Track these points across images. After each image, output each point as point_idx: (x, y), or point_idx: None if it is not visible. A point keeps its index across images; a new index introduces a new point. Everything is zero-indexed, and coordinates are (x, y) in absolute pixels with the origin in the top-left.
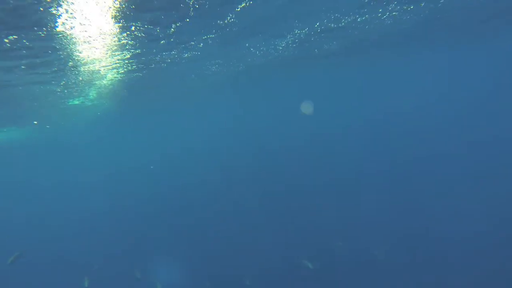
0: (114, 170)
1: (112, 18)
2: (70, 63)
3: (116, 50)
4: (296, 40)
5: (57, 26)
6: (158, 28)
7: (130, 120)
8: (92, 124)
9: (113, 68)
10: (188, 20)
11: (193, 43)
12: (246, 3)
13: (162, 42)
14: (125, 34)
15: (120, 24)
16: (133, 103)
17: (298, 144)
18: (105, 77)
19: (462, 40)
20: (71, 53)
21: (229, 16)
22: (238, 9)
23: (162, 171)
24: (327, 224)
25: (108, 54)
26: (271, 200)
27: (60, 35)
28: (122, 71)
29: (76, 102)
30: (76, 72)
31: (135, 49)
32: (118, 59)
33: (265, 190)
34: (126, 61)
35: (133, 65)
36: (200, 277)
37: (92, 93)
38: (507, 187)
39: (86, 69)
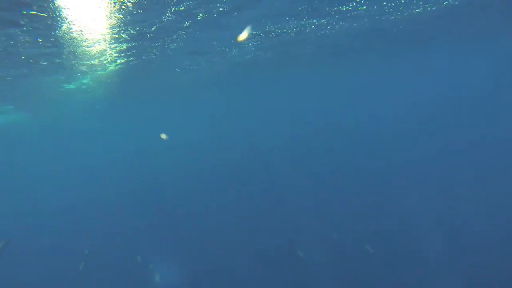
0: (94, 163)
1: (108, 18)
2: (72, 58)
3: (110, 44)
4: (254, 43)
5: (71, 32)
6: (144, 28)
7: (121, 111)
8: (85, 110)
9: (110, 61)
10: (157, 26)
11: (174, 37)
12: (202, 14)
13: (148, 36)
14: (121, 33)
15: (115, 30)
16: (124, 93)
17: (287, 142)
18: (101, 67)
19: (441, 42)
20: (74, 49)
21: (188, 22)
22: (199, 18)
23: (150, 163)
24: (320, 216)
25: (106, 47)
26: (262, 195)
27: (68, 39)
28: (117, 62)
29: (72, 86)
30: (75, 61)
31: (128, 43)
32: (113, 52)
33: (255, 185)
34: (122, 54)
35: (128, 57)
36: (197, 271)
37: (87, 80)
38: (500, 186)
39: (84, 62)
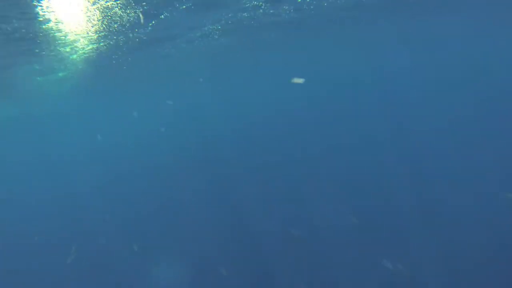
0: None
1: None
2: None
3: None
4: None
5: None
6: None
7: (96, 99)
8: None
9: (81, 47)
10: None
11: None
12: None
13: (115, 25)
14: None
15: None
16: (104, 83)
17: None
18: (76, 53)
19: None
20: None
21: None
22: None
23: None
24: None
25: (78, 37)
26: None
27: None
28: (89, 47)
29: (48, 77)
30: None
31: (97, 33)
32: (85, 40)
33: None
34: (93, 40)
35: (98, 42)
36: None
37: (62, 71)
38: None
39: (59, 49)
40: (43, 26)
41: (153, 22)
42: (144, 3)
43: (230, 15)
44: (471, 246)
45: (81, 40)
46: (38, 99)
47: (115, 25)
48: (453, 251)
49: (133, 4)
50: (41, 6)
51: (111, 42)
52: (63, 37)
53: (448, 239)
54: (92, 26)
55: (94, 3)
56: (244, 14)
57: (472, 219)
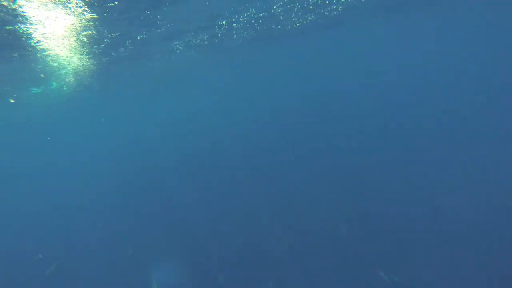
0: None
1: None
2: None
3: (73, 48)
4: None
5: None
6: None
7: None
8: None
9: (75, 64)
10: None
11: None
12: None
13: (105, 40)
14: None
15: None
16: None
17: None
18: (67, 67)
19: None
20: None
21: (128, 42)
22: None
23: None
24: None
25: (68, 51)
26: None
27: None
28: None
29: (39, 91)
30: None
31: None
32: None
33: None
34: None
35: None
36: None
37: (55, 81)
38: None
39: (51, 62)
40: (35, 46)
41: (128, 41)
42: (118, 32)
43: (191, 42)
44: (467, 253)
45: (68, 58)
46: (33, 106)
47: (97, 47)
48: (449, 257)
49: (106, 32)
50: (35, 36)
51: (95, 61)
52: (54, 58)
53: (444, 245)
54: (73, 50)
55: (76, 30)
56: (204, 41)
57: (467, 225)
